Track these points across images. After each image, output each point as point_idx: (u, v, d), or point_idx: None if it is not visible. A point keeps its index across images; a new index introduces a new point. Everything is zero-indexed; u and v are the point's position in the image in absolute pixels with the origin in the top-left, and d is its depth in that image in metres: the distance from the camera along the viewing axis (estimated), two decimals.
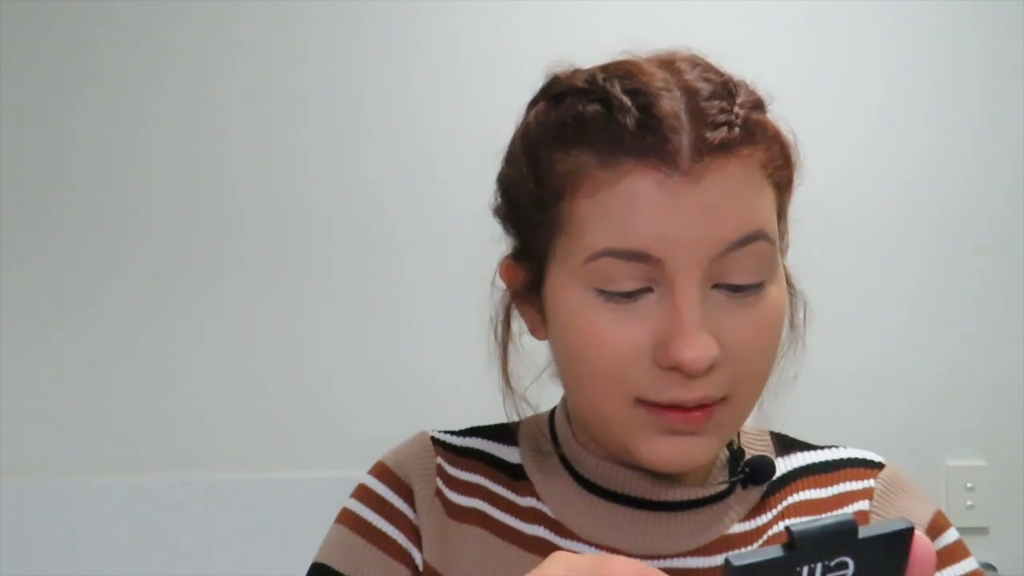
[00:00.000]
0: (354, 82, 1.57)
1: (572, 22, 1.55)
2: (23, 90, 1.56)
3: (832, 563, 0.35)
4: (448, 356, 1.51)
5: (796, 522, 0.36)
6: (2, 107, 1.56)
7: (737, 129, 0.56)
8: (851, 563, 0.36)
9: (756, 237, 0.56)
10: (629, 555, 0.63)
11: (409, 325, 1.56)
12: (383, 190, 1.57)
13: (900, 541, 0.36)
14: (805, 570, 0.35)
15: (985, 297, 1.59)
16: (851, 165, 1.58)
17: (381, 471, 0.71)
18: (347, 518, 0.69)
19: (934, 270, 1.59)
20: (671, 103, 0.56)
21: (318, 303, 1.56)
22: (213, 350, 1.55)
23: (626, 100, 0.56)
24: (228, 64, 1.57)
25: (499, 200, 0.66)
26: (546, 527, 0.66)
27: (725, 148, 0.55)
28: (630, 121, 0.56)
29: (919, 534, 0.37)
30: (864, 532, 0.36)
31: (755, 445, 0.70)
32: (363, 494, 0.70)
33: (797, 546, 0.35)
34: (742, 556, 0.34)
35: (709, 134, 0.55)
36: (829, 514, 0.39)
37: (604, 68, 0.61)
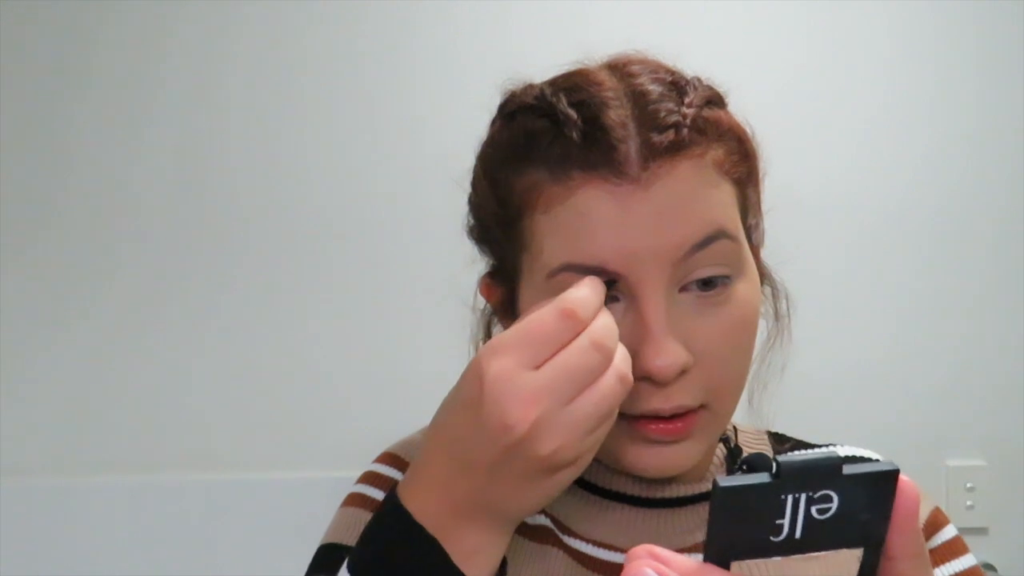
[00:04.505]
0: (354, 85, 1.57)
1: (572, 21, 1.55)
2: (24, 91, 1.56)
3: (816, 495, 0.37)
4: (448, 357, 1.50)
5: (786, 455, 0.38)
6: (2, 107, 1.56)
7: (686, 129, 0.56)
8: (835, 497, 0.37)
9: (716, 236, 0.56)
10: (625, 552, 0.63)
11: (409, 326, 1.55)
12: (382, 190, 1.56)
13: (885, 482, 0.37)
14: (790, 499, 0.36)
15: (985, 297, 1.58)
16: (852, 164, 1.58)
17: (389, 458, 0.71)
18: (355, 500, 0.69)
19: (934, 269, 1.59)
20: (617, 112, 0.56)
21: (318, 304, 1.56)
22: (213, 350, 1.55)
23: (572, 113, 0.57)
24: (228, 66, 1.57)
25: (471, 221, 0.67)
26: (549, 519, 0.66)
27: (674, 150, 0.55)
28: (576, 134, 0.56)
29: (904, 478, 0.37)
30: (848, 469, 0.37)
31: (753, 444, 0.70)
32: (371, 478, 0.70)
33: (782, 475, 0.36)
34: (729, 479, 0.36)
35: (656, 138, 0.55)
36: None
37: (553, 82, 0.61)
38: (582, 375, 0.49)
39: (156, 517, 1.49)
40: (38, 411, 1.53)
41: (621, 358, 0.51)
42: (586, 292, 0.51)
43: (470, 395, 0.50)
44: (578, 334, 0.50)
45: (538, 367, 0.49)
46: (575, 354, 0.49)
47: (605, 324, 0.51)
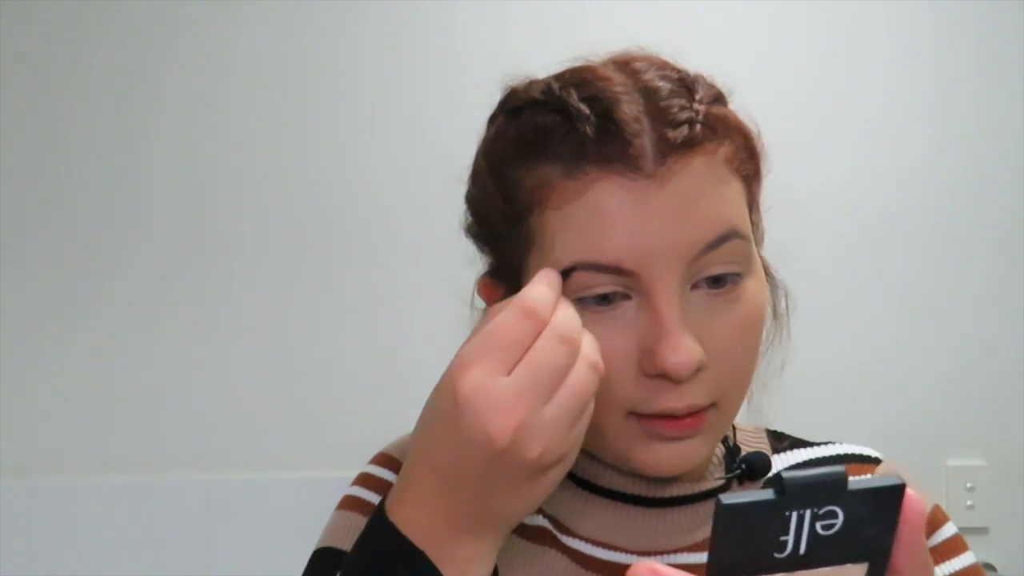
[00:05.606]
0: (354, 85, 1.58)
1: (572, 21, 1.55)
2: (24, 91, 1.56)
3: (821, 511, 0.36)
4: (448, 356, 1.50)
5: (789, 469, 0.37)
6: (2, 107, 1.56)
7: (699, 126, 0.55)
8: (840, 513, 0.36)
9: (729, 236, 0.56)
10: (627, 552, 0.63)
11: (409, 326, 1.55)
12: (382, 190, 1.57)
13: (890, 497, 0.37)
14: (794, 516, 0.36)
15: (985, 297, 1.58)
16: (852, 164, 1.58)
17: (384, 460, 0.71)
18: (350, 503, 0.69)
19: (935, 269, 1.59)
20: (630, 107, 0.55)
21: (318, 304, 1.56)
22: (214, 350, 1.55)
23: (584, 108, 0.56)
24: (228, 66, 1.57)
25: (470, 219, 0.66)
26: (547, 519, 0.66)
27: (688, 146, 0.55)
28: (590, 129, 0.55)
29: (911, 492, 0.37)
30: (854, 484, 0.36)
31: (751, 442, 0.70)
32: (366, 480, 0.70)
33: (787, 492, 0.36)
34: (733, 496, 0.35)
35: (671, 133, 0.54)
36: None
37: (559, 77, 0.60)
38: (554, 372, 0.49)
39: (156, 517, 1.49)
40: (38, 411, 1.54)
41: (589, 346, 0.52)
42: (542, 288, 0.52)
43: (446, 411, 0.50)
44: (541, 332, 0.50)
45: (509, 372, 0.49)
46: (543, 352, 0.49)
47: (567, 316, 0.51)
